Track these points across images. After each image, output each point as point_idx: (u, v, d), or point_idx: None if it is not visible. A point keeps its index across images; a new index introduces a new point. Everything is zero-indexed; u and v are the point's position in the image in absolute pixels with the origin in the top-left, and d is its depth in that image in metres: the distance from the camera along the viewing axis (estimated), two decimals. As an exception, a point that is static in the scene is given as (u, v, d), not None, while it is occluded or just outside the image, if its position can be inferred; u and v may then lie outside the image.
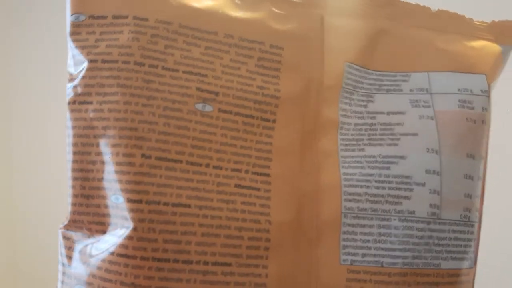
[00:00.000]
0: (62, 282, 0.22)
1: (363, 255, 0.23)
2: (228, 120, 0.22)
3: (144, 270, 0.20)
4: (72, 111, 0.22)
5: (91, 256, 0.21)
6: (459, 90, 0.26)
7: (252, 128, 0.23)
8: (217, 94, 0.22)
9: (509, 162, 0.70)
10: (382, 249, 0.23)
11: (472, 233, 0.25)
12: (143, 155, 0.21)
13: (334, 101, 0.25)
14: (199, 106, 0.22)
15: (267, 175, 0.23)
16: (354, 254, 0.23)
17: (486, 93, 0.26)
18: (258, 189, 0.22)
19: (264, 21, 0.24)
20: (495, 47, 0.27)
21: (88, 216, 0.22)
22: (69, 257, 0.22)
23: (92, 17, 0.23)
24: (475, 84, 0.26)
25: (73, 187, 0.22)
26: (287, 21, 0.24)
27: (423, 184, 0.24)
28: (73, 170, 0.22)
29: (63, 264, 0.22)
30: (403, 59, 0.26)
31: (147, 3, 0.23)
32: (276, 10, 0.25)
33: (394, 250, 0.23)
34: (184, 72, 0.22)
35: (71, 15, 0.23)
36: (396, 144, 0.24)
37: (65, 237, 0.22)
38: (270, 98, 0.23)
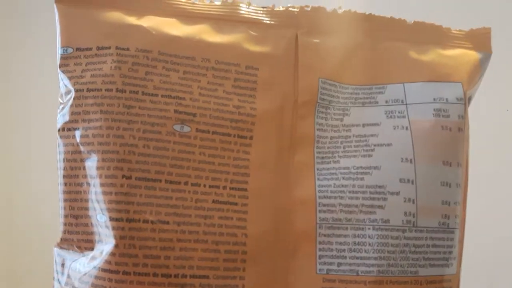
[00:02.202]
0: None
1: (339, 264, 0.23)
2: (206, 139, 0.23)
3: (126, 284, 0.21)
4: (61, 137, 0.23)
5: (80, 272, 0.22)
6: (434, 99, 0.25)
7: (229, 145, 0.23)
8: (194, 115, 0.23)
9: (510, 162, 0.66)
10: (357, 258, 0.23)
11: (452, 239, 0.24)
12: (123, 176, 0.21)
13: (310, 116, 0.24)
14: (177, 127, 0.22)
15: (245, 190, 0.23)
16: (330, 264, 0.23)
17: (462, 101, 0.25)
18: (235, 204, 0.22)
19: (240, 43, 0.24)
20: (472, 55, 0.27)
21: (77, 234, 0.22)
22: (63, 274, 0.23)
23: (79, 49, 0.23)
24: (451, 93, 0.25)
25: (64, 208, 0.22)
26: (262, 43, 0.25)
27: (397, 193, 0.23)
28: (63, 192, 0.22)
29: (58, 281, 0.23)
30: (379, 72, 0.26)
31: (128, 33, 0.23)
32: (251, 32, 0.25)
33: (369, 258, 0.22)
34: (163, 96, 0.23)
35: (61, 48, 0.24)
36: (370, 155, 0.24)
37: (59, 255, 0.23)
38: (246, 116, 0.23)
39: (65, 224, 0.22)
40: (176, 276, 0.21)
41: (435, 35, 0.27)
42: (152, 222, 0.21)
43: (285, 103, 0.24)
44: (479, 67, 0.26)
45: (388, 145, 0.24)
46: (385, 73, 0.26)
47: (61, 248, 0.23)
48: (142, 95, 0.22)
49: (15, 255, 0.91)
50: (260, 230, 0.22)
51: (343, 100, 0.25)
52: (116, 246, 0.21)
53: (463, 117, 0.25)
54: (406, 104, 0.25)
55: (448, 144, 0.24)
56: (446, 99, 0.25)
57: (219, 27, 0.24)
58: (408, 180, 0.23)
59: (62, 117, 0.23)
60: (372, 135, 0.24)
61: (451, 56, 0.26)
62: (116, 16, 0.24)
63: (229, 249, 0.22)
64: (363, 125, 0.25)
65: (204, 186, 0.22)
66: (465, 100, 0.25)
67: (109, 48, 0.23)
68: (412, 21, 0.27)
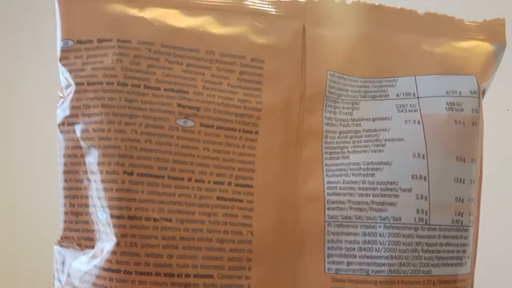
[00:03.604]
0: None
1: (348, 263, 0.22)
2: (210, 134, 0.22)
3: (128, 283, 0.20)
4: (61, 132, 0.22)
5: (81, 271, 0.21)
6: (447, 92, 0.24)
7: (234, 140, 0.22)
8: (198, 109, 0.22)
9: (510, 162, 0.66)
10: (368, 257, 0.22)
11: (466, 238, 0.23)
12: (125, 172, 0.21)
13: (318, 110, 0.24)
14: (181, 121, 0.22)
15: (250, 186, 0.22)
16: (339, 263, 0.22)
17: (476, 94, 0.24)
18: (241, 201, 0.22)
19: (245, 35, 0.23)
20: (486, 47, 0.26)
21: (78, 232, 0.21)
22: (63, 273, 0.22)
23: (80, 42, 0.23)
24: (464, 86, 0.24)
25: (64, 205, 0.22)
26: (268, 34, 0.24)
27: (409, 190, 0.22)
28: (63, 188, 0.22)
29: (59, 280, 0.22)
30: (389, 64, 0.25)
31: (130, 25, 0.22)
32: (257, 24, 0.24)
33: (380, 257, 0.22)
34: (165, 89, 0.22)
35: (61, 41, 0.23)
36: (381, 150, 0.23)
37: (59, 253, 0.22)
38: (251, 110, 0.23)
39: (65, 222, 0.22)
40: (179, 275, 0.20)
41: (447, 27, 0.25)
42: (154, 219, 0.20)
43: (292, 97, 0.23)
44: (494, 59, 0.25)
45: (400, 140, 0.23)
46: (395, 65, 0.25)
47: (61, 246, 0.22)
48: (144, 89, 0.22)
49: (15, 255, 0.91)
50: (266, 228, 0.21)
51: (352, 94, 0.24)
52: (117, 244, 0.20)
53: (477, 110, 0.24)
54: (418, 97, 0.24)
55: (461, 139, 0.23)
56: (460, 93, 0.24)
57: (224, 19, 0.24)
58: (421, 176, 0.22)
59: (62, 111, 0.22)
60: (382, 130, 0.23)
61: (464, 48, 0.25)
62: (118, 8, 0.23)
63: (234, 248, 0.21)
64: (373, 119, 0.24)
65: (209, 182, 0.21)
66: (479, 93, 0.24)
67: (111, 40, 0.22)
68: (424, 12, 0.26)
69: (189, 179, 0.21)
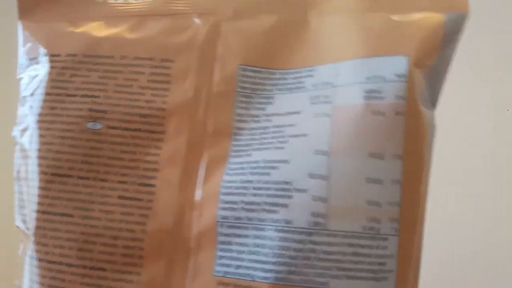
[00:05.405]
0: None
1: (237, 267, 0.21)
2: (117, 135, 0.23)
3: (41, 270, 0.23)
4: (14, 138, 0.26)
5: (22, 259, 0.25)
6: (367, 78, 0.21)
7: (141, 141, 0.23)
8: (106, 112, 0.23)
9: (510, 161, 0.65)
10: (256, 261, 0.20)
11: (384, 248, 0.20)
12: (41, 172, 0.23)
13: (227, 107, 0.23)
14: (90, 125, 0.23)
15: (152, 185, 0.23)
16: (228, 266, 0.21)
17: (403, 78, 0.20)
18: (140, 200, 0.22)
19: (157, 37, 0.24)
20: (431, 18, 0.21)
21: (23, 223, 0.25)
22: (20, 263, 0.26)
23: (29, 59, 0.26)
24: (389, 69, 0.21)
25: (16, 203, 0.26)
26: (181, 34, 0.24)
27: (305, 191, 0.20)
28: (15, 187, 0.26)
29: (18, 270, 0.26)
30: (311, 52, 0.22)
31: (61, 41, 0.25)
32: (173, 25, 0.24)
33: (267, 263, 0.20)
34: (81, 96, 0.24)
35: (19, 59, 0.27)
36: (282, 148, 0.21)
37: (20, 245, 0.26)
38: (156, 110, 0.23)
39: (16, 214, 0.25)
40: (77, 266, 0.22)
41: (384, 2, 0.22)
42: (61, 214, 0.23)
43: (199, 95, 0.23)
44: (441, 32, 0.21)
45: (304, 135, 0.21)
46: (317, 52, 0.22)
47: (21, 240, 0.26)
48: (65, 97, 0.24)
49: (15, 254, 1.00)
50: (160, 227, 0.22)
51: (269, 87, 0.23)
52: (34, 235, 0.23)
53: (404, 97, 0.20)
54: (334, 87, 0.21)
55: (379, 132, 0.20)
56: (383, 78, 0.21)
57: (144, 24, 0.24)
58: (319, 176, 0.20)
59: (16, 126, 0.26)
60: (290, 125, 0.22)
61: (400, 23, 0.21)
62: (57, 26, 0.26)
63: (126, 245, 0.22)
64: (285, 114, 0.22)
65: (112, 182, 0.23)
66: (410, 77, 0.20)
67: (46, 55, 0.25)
68: None
69: (95, 179, 0.23)
